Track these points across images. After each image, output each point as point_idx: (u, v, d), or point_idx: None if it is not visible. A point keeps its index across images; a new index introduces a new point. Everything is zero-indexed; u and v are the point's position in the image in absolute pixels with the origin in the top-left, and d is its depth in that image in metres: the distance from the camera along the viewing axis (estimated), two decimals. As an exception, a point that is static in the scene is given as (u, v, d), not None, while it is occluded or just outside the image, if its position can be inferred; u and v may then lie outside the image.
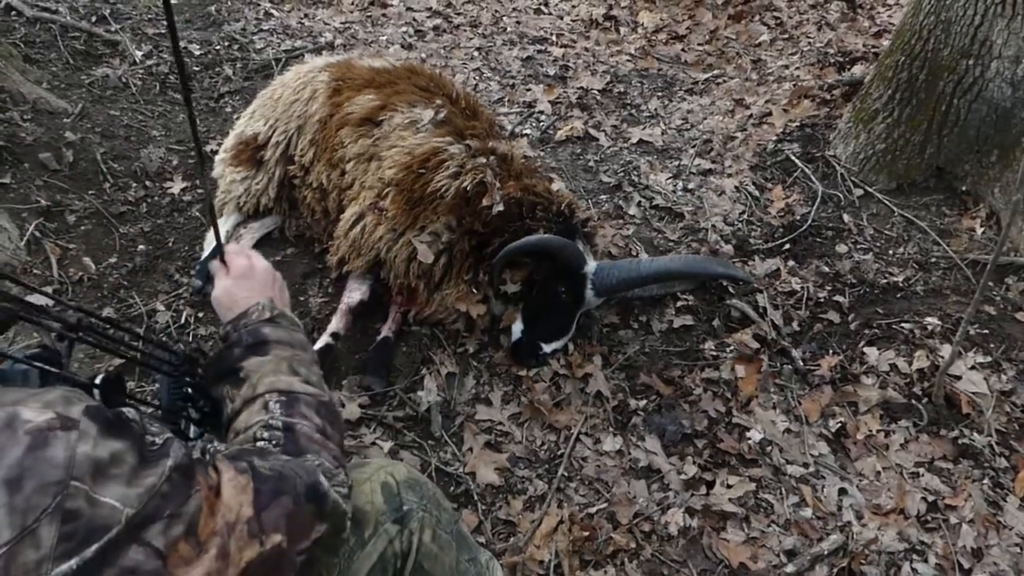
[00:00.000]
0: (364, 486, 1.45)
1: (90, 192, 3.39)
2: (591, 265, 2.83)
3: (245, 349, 1.37)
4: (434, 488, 1.61)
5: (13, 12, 4.54)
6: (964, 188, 3.66)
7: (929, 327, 3.06)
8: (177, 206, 3.51)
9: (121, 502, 0.88)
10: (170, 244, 3.31)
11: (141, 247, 3.24)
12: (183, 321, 2.95)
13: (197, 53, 4.67)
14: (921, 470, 2.64)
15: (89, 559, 0.84)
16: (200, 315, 3.00)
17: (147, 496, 0.90)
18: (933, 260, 3.42)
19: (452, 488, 2.51)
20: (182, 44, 4.70)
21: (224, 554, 0.96)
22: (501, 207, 2.72)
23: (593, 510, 2.45)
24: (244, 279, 1.52)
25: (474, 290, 2.80)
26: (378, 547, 1.39)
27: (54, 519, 0.82)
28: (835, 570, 2.33)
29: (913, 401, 2.82)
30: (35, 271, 2.99)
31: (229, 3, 5.40)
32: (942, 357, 2.88)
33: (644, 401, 2.80)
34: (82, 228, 3.25)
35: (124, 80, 4.25)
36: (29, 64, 4.12)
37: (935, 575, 2.34)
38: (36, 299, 1.32)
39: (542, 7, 6.19)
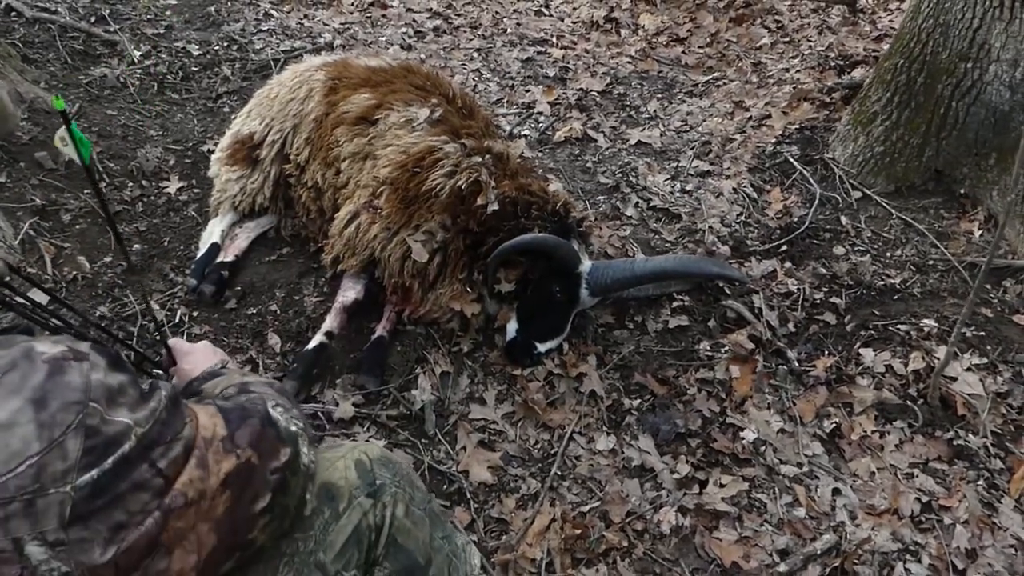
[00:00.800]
0: (338, 463, 1.53)
1: (85, 191, 3.40)
2: (586, 264, 2.82)
3: (202, 380, 1.53)
4: (408, 468, 1.69)
5: (13, 13, 4.55)
6: (962, 191, 3.65)
7: (926, 329, 3.04)
8: (173, 206, 3.52)
9: (132, 421, 0.99)
10: (165, 243, 3.31)
11: (137, 246, 3.25)
12: (177, 320, 2.95)
13: (196, 53, 4.67)
14: (916, 471, 2.62)
15: (107, 470, 0.94)
16: (195, 314, 3.00)
17: (151, 419, 1.01)
18: (931, 262, 3.41)
19: (445, 487, 2.50)
20: (181, 44, 4.72)
21: (204, 464, 1.07)
22: (496, 206, 2.72)
23: (586, 508, 2.44)
24: (190, 355, 1.66)
25: (468, 289, 2.80)
26: (352, 519, 1.46)
27: (78, 434, 0.92)
28: (828, 570, 2.32)
29: (908, 402, 2.81)
30: (30, 270, 2.99)
31: (229, 3, 5.41)
32: (938, 359, 2.87)
33: (638, 401, 2.79)
34: (77, 227, 3.25)
35: (122, 80, 4.26)
36: (27, 64, 4.13)
37: (929, 575, 2.33)
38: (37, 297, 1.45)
39: (543, 9, 6.20)
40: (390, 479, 1.56)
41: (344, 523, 1.45)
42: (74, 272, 3.04)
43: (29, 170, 3.35)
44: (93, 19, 4.75)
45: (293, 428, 1.27)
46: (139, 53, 4.54)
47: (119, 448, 0.95)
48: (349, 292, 2.92)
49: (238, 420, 1.16)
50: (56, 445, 0.90)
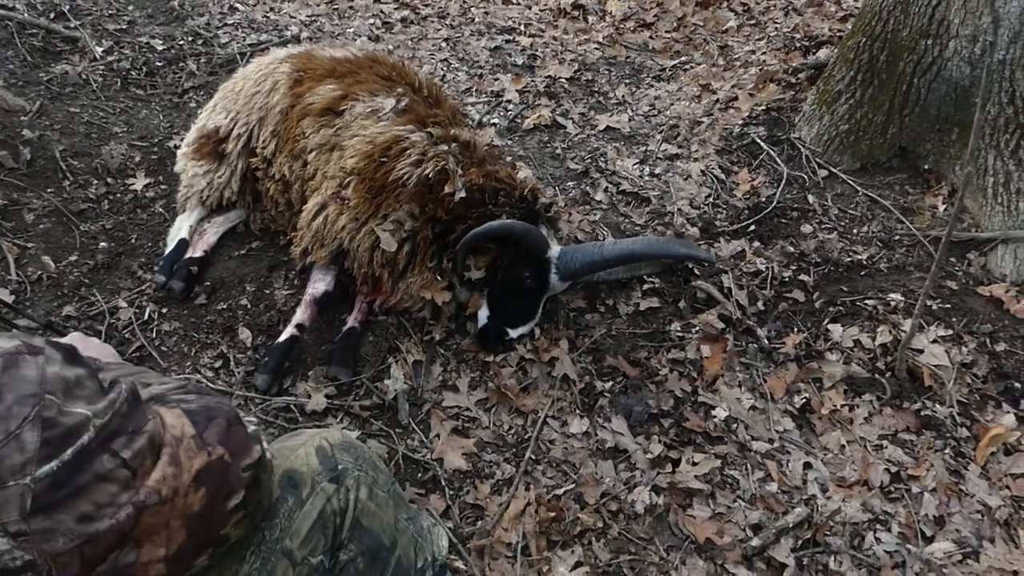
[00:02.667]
0: (299, 450, 1.54)
1: (49, 190, 3.35)
2: (555, 249, 2.83)
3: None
4: (370, 452, 1.69)
5: (-30, 11, 4.46)
6: (926, 167, 3.70)
7: (892, 303, 3.09)
8: (140, 202, 3.48)
9: (91, 412, 0.99)
10: (133, 240, 3.28)
11: (103, 244, 3.21)
12: (147, 317, 2.93)
13: (160, 48, 4.61)
14: (884, 442, 2.67)
15: (67, 461, 0.94)
16: (164, 311, 2.97)
17: (110, 410, 1.01)
18: (896, 238, 3.45)
19: (420, 474, 2.51)
20: (144, 39, 4.65)
21: (176, 462, 1.07)
22: (463, 194, 2.72)
23: (560, 491, 2.46)
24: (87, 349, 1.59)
25: (439, 277, 2.80)
26: (317, 505, 1.48)
27: (35, 426, 0.93)
28: (800, 542, 2.36)
29: (876, 376, 2.85)
30: (-6, 270, 2.95)
31: (193, -2, 5.34)
32: (905, 332, 2.91)
33: (610, 383, 2.81)
34: (41, 226, 3.21)
35: (84, 77, 4.19)
36: (-14, 62, 4.06)
37: (898, 543, 2.37)
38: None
39: (510, -3, 6.17)
40: (352, 463, 1.57)
41: (308, 509, 1.46)
42: (39, 272, 3.00)
43: (-10, 170, 3.30)
44: (52, 15, 4.65)
45: (252, 428, 1.28)
46: (101, 49, 4.47)
47: (78, 439, 0.96)
48: (319, 284, 2.91)
49: (205, 420, 1.16)
50: (12, 438, 0.91)
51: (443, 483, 2.47)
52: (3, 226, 3.11)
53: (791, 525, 2.39)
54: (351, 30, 5.27)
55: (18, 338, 1.00)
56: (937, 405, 2.76)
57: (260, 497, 1.25)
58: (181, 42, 4.73)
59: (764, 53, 4.88)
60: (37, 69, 4.18)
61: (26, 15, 4.52)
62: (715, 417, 2.72)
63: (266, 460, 1.26)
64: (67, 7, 4.71)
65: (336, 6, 5.68)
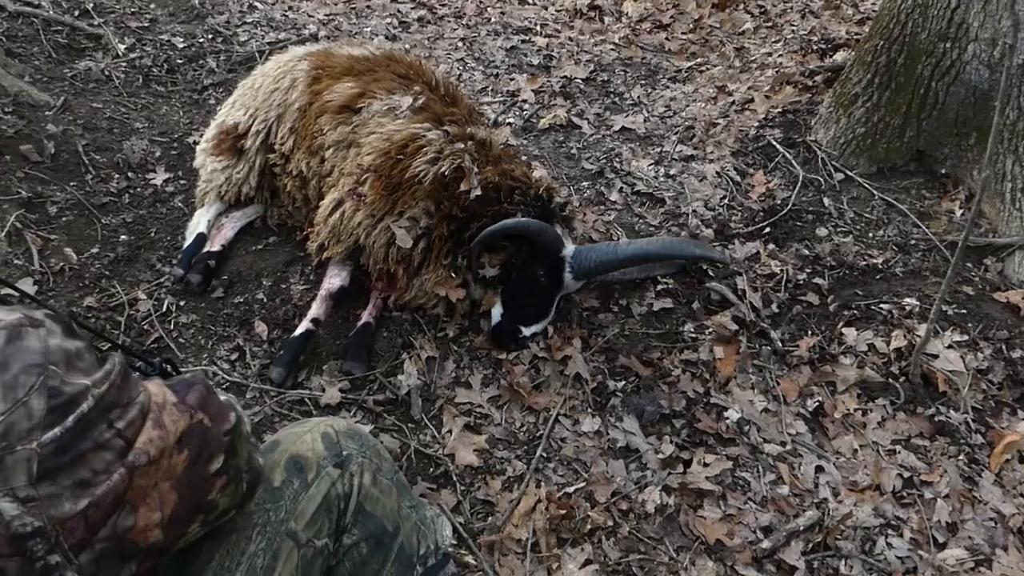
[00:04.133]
0: (305, 436, 1.58)
1: (72, 183, 3.40)
2: (569, 248, 2.84)
3: None
4: (375, 440, 1.72)
5: (-4, 7, 4.53)
6: (944, 171, 3.68)
7: (907, 307, 3.08)
8: (159, 197, 3.52)
9: (90, 382, 1.03)
10: (152, 234, 3.32)
11: (123, 237, 3.25)
12: (164, 309, 2.96)
13: (181, 46, 4.66)
14: (898, 447, 2.66)
15: (69, 428, 0.98)
16: (182, 303, 3.01)
17: (107, 381, 1.05)
18: (912, 242, 3.44)
19: (432, 470, 2.52)
20: (166, 37, 4.71)
21: (160, 424, 1.11)
22: (479, 192, 2.74)
23: (571, 489, 2.47)
24: None
25: (453, 274, 2.82)
26: (321, 488, 1.52)
27: (42, 394, 0.96)
28: (810, 545, 2.36)
29: (890, 380, 2.85)
30: (16, 262, 2.99)
31: (213, -4, 5.39)
32: (919, 337, 2.90)
33: (623, 382, 2.82)
34: (64, 219, 3.25)
35: (107, 73, 4.25)
36: (11, 58, 4.12)
37: (910, 549, 2.36)
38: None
39: (527, -2, 6.20)
40: (356, 449, 1.61)
41: (313, 493, 1.50)
42: (61, 263, 3.04)
43: (15, 163, 3.34)
44: (77, 13, 4.72)
45: (224, 397, 1.32)
46: (123, 46, 4.52)
47: (78, 407, 0.99)
48: (335, 279, 2.93)
49: (184, 388, 1.21)
50: (21, 404, 0.94)
51: (454, 479, 2.49)
52: (28, 218, 3.16)
53: (802, 528, 2.39)
54: (368, 29, 5.31)
55: (19, 310, 1.04)
56: (952, 411, 2.75)
57: (239, 464, 1.28)
58: (201, 40, 4.78)
59: (780, 55, 4.87)
60: (61, 65, 4.24)
61: (51, 12, 4.59)
62: (727, 419, 2.72)
63: (241, 428, 1.29)
64: (91, 5, 4.78)
65: (354, 5, 5.72)
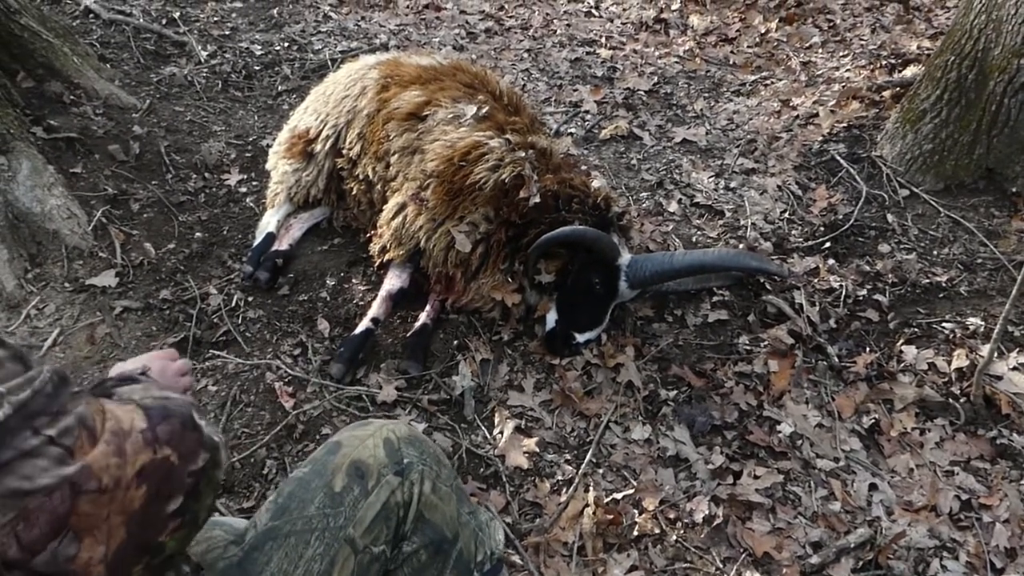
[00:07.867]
0: (367, 441, 1.58)
1: (153, 182, 3.60)
2: (625, 257, 2.87)
3: (116, 383, 1.36)
4: (434, 446, 1.71)
5: (91, 15, 4.83)
6: (1014, 189, 3.59)
7: (971, 327, 3.01)
8: (233, 197, 3.70)
9: (4, 389, 0.95)
10: (225, 232, 3.49)
11: (198, 234, 3.43)
12: (233, 304, 3.11)
13: (258, 53, 4.88)
14: (956, 468, 2.60)
15: None
16: (250, 299, 3.15)
17: (27, 387, 0.98)
18: (979, 261, 3.36)
19: (482, 470, 2.58)
20: (245, 45, 4.93)
21: (121, 453, 1.04)
22: (538, 199, 2.79)
23: (619, 496, 2.50)
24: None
25: (510, 279, 2.88)
26: (381, 496, 1.52)
27: None
28: (861, 563, 2.33)
29: (951, 400, 2.79)
30: (101, 254, 3.18)
31: (291, 6, 5.62)
32: (983, 357, 2.83)
33: (675, 392, 2.83)
34: (145, 215, 3.45)
35: (189, 78, 4.48)
36: (104, 63, 4.39)
37: (965, 573, 2.31)
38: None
39: (593, 10, 6.26)
40: (417, 457, 1.61)
41: (373, 500, 1.51)
42: (141, 257, 3.23)
43: (103, 162, 3.57)
44: (164, 21, 5.00)
45: (216, 438, 1.24)
46: (206, 53, 4.77)
47: None
48: (395, 281, 3.03)
49: (159, 417, 1.13)
50: None
51: (504, 479, 2.54)
52: (112, 213, 3.37)
53: (853, 545, 2.36)
54: (437, 39, 5.44)
55: None
56: (1015, 434, 2.68)
57: (198, 510, 1.20)
58: (277, 48, 4.99)
59: (848, 70, 4.81)
60: (148, 70, 4.49)
61: (141, 20, 4.86)
62: (780, 432, 2.71)
63: (213, 473, 1.21)
64: (178, 14, 5.04)
65: (423, 16, 5.87)
